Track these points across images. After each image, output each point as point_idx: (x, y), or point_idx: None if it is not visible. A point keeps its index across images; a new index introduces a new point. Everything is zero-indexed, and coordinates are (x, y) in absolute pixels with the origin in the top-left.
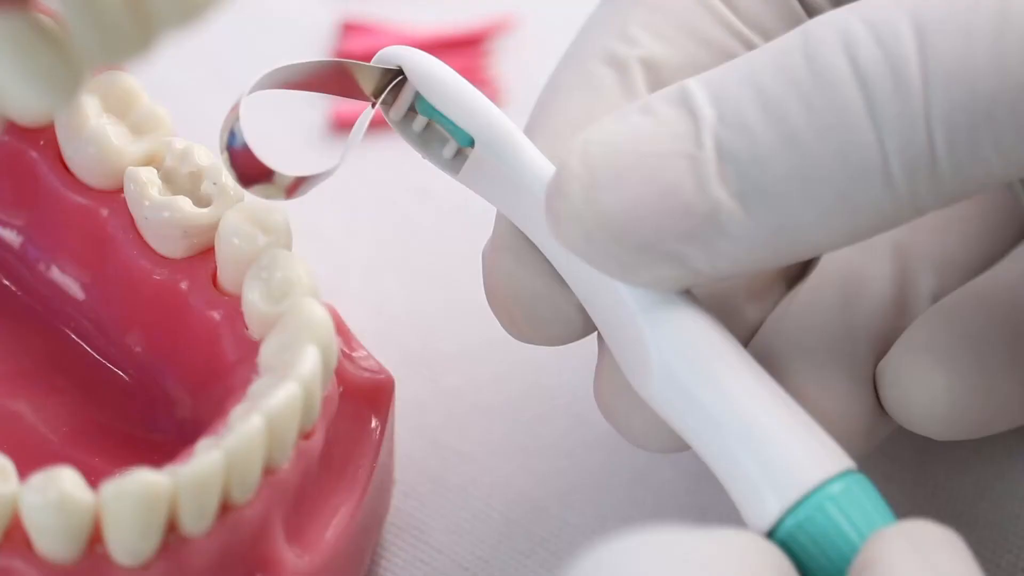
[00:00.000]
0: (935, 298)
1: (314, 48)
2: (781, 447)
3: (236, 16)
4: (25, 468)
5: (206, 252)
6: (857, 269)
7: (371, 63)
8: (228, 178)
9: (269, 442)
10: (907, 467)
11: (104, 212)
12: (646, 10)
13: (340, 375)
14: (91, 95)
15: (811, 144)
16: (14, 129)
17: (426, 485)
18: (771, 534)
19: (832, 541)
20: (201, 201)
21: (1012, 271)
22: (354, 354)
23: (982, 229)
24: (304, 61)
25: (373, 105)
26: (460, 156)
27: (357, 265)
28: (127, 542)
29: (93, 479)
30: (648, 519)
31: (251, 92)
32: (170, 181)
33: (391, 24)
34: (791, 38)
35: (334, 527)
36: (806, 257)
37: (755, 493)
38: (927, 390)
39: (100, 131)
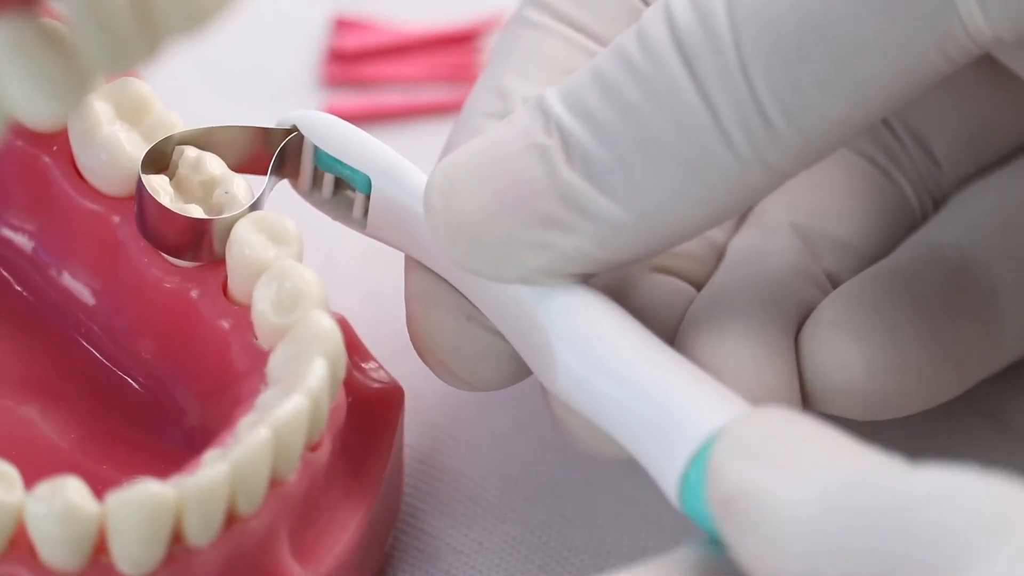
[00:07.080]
0: (834, 280)
1: (307, 44)
2: (677, 408)
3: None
4: (32, 474)
5: (216, 261)
6: (762, 248)
7: (270, 127)
8: (239, 187)
9: (275, 454)
10: None
11: (116, 219)
12: (519, 59)
13: (349, 386)
14: (104, 101)
15: (647, 116)
16: (27, 134)
17: (419, 469)
18: (682, 500)
19: None
20: (213, 209)
21: (907, 258)
22: (364, 365)
23: (871, 221)
24: (199, 128)
25: (275, 155)
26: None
27: (349, 255)
28: (132, 552)
29: (101, 486)
30: (636, 515)
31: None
32: (182, 189)
33: (384, 20)
34: (631, 26)
35: (341, 541)
36: (682, 239)
37: (660, 459)
38: (842, 364)
39: (113, 138)
